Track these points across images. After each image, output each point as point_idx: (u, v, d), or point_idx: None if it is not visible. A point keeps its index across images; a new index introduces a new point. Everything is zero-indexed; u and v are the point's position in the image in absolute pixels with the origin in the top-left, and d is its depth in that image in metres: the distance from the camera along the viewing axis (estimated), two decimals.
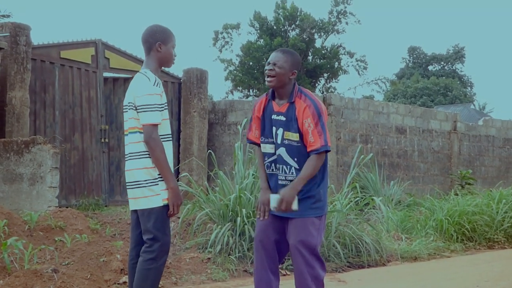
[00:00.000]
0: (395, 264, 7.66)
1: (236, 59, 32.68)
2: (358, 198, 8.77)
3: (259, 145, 4.26)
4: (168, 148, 3.98)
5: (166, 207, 3.92)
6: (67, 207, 8.50)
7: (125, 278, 5.88)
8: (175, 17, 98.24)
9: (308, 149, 4.00)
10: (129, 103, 3.97)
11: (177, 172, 12.80)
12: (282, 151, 4.07)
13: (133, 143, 3.96)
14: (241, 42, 36.63)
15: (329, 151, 4.06)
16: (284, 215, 4.05)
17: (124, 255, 6.34)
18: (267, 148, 4.17)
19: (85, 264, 5.86)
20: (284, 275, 6.53)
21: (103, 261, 6.22)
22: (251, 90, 32.30)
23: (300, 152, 4.04)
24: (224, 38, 33.31)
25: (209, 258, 6.89)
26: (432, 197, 11.37)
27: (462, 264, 7.86)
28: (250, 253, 6.86)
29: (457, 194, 11.28)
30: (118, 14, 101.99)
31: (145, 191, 3.91)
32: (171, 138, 4.05)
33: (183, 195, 11.56)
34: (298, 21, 31.17)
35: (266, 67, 4.17)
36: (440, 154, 15.26)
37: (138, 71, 11.23)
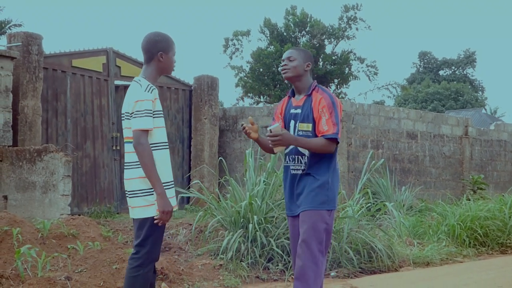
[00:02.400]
0: (407, 270, 7.64)
1: (247, 66, 32.73)
2: (369, 204, 8.75)
3: None
4: (165, 156, 3.95)
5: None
6: (79, 215, 8.54)
7: None
8: (185, 25, 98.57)
9: (320, 134, 4.06)
10: (125, 112, 3.95)
11: (188, 179, 12.83)
12: None
13: (129, 153, 3.93)
14: (252, 48, 36.72)
15: (338, 143, 4.11)
16: (292, 214, 4.19)
17: None
18: None
19: (97, 271, 5.88)
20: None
21: (116, 268, 6.24)
22: (261, 97, 32.32)
23: None
24: (234, 45, 33.38)
25: (221, 265, 6.91)
26: (444, 202, 11.33)
27: (475, 270, 7.83)
28: (261, 260, 6.88)
29: (469, 199, 11.23)
30: (129, 22, 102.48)
31: (140, 200, 3.89)
32: (167, 146, 3.99)
33: (195, 202, 11.68)
34: (308, 28, 31.19)
35: (281, 64, 4.32)
36: (451, 159, 15.21)
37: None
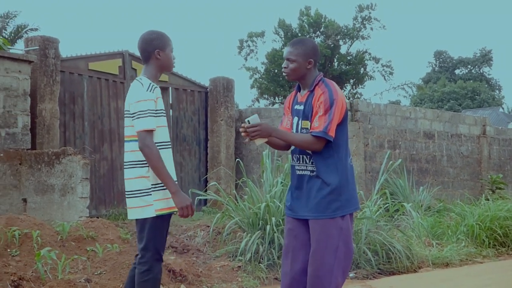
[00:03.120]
0: (426, 271, 7.60)
1: (262, 67, 32.74)
2: (387, 205, 8.72)
3: None
4: (167, 155, 3.90)
5: (160, 217, 3.84)
6: (97, 217, 8.58)
7: None
8: (200, 27, 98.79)
9: (310, 130, 3.86)
10: (126, 111, 3.93)
11: (205, 181, 12.84)
12: None
13: (129, 152, 3.90)
14: (266, 50, 36.71)
15: (330, 141, 3.83)
16: (302, 216, 3.95)
17: None
18: None
19: (117, 273, 5.90)
20: None
21: None
22: (277, 98, 32.31)
23: None
24: (249, 46, 33.41)
25: (239, 266, 6.91)
26: (462, 202, 11.26)
27: (495, 270, 7.77)
28: (280, 261, 6.87)
29: (488, 199, 11.15)
30: (144, 25, 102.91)
31: (139, 201, 3.84)
32: (169, 146, 3.96)
33: (212, 204, 11.69)
34: (322, 28, 31.16)
35: (282, 64, 4.14)
36: (469, 158, 15.12)
37: (165, 81, 11.24)
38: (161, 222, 3.86)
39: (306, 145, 3.85)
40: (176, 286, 6.10)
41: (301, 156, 3.96)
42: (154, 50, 3.96)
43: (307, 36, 30.81)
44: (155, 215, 3.81)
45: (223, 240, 7.60)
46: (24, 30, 22.87)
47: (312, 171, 3.91)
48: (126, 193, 3.92)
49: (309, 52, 4.02)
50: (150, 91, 3.83)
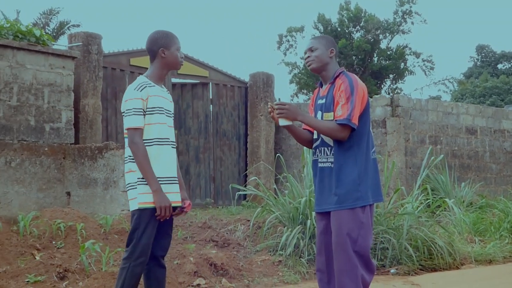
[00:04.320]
0: (469, 268, 7.50)
1: (301, 62, 32.62)
2: (429, 200, 8.63)
3: (307, 130, 4.21)
4: (163, 152, 3.98)
5: (144, 210, 3.89)
6: None
7: (199, 281, 5.97)
8: (240, 22, 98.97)
9: (334, 119, 3.87)
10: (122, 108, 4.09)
11: (245, 176, 12.89)
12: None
13: (125, 148, 4.04)
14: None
15: (354, 129, 3.84)
16: (323, 209, 3.97)
17: (196, 257, 6.44)
18: (315, 133, 4.11)
19: None
20: None
21: (177, 263, 6.33)
22: None
23: None
24: (288, 41, 33.30)
25: (280, 261, 6.92)
26: (505, 198, 11.09)
27: None
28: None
29: None
30: (185, 20, 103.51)
31: (130, 193, 3.96)
32: (167, 142, 4.02)
33: (252, 198, 11.73)
34: (362, 22, 30.89)
35: (304, 57, 4.17)
36: None
37: (205, 76, 11.30)
38: (145, 215, 3.90)
39: (332, 132, 3.85)
40: (217, 280, 6.15)
41: (322, 148, 3.99)
42: (159, 49, 4.07)
43: (347, 31, 30.69)
44: (137, 208, 3.88)
45: (263, 234, 7.63)
46: (67, 26, 23.20)
47: (332, 163, 3.92)
48: (126, 186, 4.07)
49: (330, 42, 4.13)
50: (138, 90, 3.94)
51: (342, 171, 3.88)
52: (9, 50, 8.43)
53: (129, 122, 3.92)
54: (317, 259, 4.12)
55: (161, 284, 4.10)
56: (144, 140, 3.94)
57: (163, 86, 4.20)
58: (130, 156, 3.95)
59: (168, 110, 4.11)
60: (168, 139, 4.05)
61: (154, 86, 4.03)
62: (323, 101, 4.03)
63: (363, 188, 3.87)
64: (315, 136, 4.11)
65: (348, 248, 3.81)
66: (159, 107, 4.01)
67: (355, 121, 3.82)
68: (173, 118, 4.20)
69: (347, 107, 3.82)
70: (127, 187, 4.00)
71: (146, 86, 3.98)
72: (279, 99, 4.16)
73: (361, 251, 3.85)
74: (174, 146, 4.13)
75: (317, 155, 4.05)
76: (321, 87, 4.16)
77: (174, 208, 4.04)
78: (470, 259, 7.78)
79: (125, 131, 4.00)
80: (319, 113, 4.05)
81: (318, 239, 4.11)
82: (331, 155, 3.94)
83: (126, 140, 3.99)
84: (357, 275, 3.81)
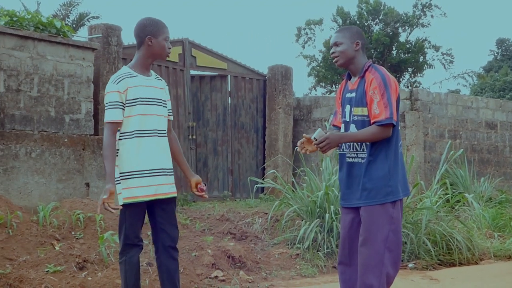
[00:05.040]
0: (488, 263, 7.46)
1: (319, 55, 32.51)
2: (448, 195, 8.58)
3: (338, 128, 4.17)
4: (147, 143, 3.93)
5: (126, 205, 3.87)
6: None
7: (216, 273, 5.99)
8: (259, 14, 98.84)
9: (372, 120, 3.81)
10: None
11: (263, 169, 12.89)
12: (352, 128, 3.95)
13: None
14: (324, 37, 36.50)
15: (394, 125, 3.83)
16: (352, 205, 3.95)
17: (214, 250, 6.46)
18: (342, 127, 4.09)
19: None
20: None
21: (195, 255, 6.36)
22: (334, 86, 32.10)
23: None
24: (307, 34, 33.17)
25: (297, 254, 6.93)
26: None
27: None
28: (338, 249, 6.85)
29: None
30: (204, 13, 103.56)
31: (117, 187, 3.89)
32: (150, 134, 3.97)
33: (270, 192, 11.72)
34: (381, 16, 30.70)
35: (330, 52, 4.12)
36: None
37: (224, 69, 11.27)
38: (129, 210, 3.90)
39: (377, 137, 3.81)
40: (235, 272, 6.16)
41: (352, 143, 3.94)
42: (146, 37, 3.99)
43: (366, 24, 30.52)
44: (121, 203, 3.86)
45: (281, 227, 7.63)
46: (86, 18, 23.26)
47: (362, 158, 3.89)
48: None
49: (356, 34, 4.03)
50: (115, 83, 3.90)
51: (373, 166, 3.85)
52: (30, 42, 8.48)
53: (105, 116, 3.90)
54: (341, 253, 4.11)
55: (173, 276, 4.08)
56: (123, 133, 3.91)
57: (151, 73, 4.13)
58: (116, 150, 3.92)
59: (156, 99, 4.04)
60: (153, 130, 3.99)
61: (136, 76, 3.98)
62: (353, 95, 3.98)
63: (393, 183, 3.85)
64: (342, 130, 4.08)
65: (378, 244, 3.79)
66: (141, 98, 3.95)
67: (395, 117, 3.81)
68: (165, 105, 4.15)
69: (385, 104, 3.77)
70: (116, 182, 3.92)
71: (124, 78, 3.93)
72: (314, 138, 4.11)
73: (392, 246, 3.83)
74: (162, 135, 4.07)
75: (344, 149, 4.01)
76: (349, 80, 4.09)
77: (162, 200, 4.02)
78: (489, 254, 7.73)
79: None
80: (348, 107, 4.00)
81: (342, 232, 4.09)
82: (361, 150, 3.91)
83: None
84: (382, 271, 3.79)
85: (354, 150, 3.94)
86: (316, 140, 3.83)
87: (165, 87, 4.24)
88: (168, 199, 4.06)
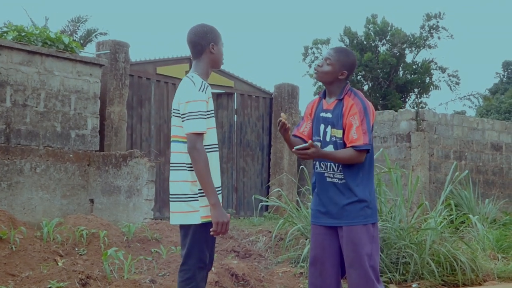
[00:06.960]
0: (492, 284, 7.41)
1: None
2: (452, 216, 8.55)
3: (299, 138, 4.14)
4: (215, 158, 3.66)
5: (205, 225, 3.55)
6: (161, 219, 8.71)
7: None
8: (266, 33, 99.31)
9: (349, 144, 3.84)
10: (174, 109, 3.72)
11: (267, 187, 12.89)
12: (330, 148, 3.94)
13: (175, 153, 3.67)
14: None
15: (369, 152, 3.89)
16: (332, 223, 3.93)
17: (218, 268, 6.44)
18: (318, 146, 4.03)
19: None
20: None
21: None
22: None
23: None
24: (313, 53, 33.27)
25: (301, 273, 6.90)
26: None
27: None
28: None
29: None
30: None
31: (184, 206, 3.58)
32: (217, 149, 3.71)
33: (274, 210, 11.72)
34: (388, 36, 30.80)
35: (318, 61, 4.17)
36: None
37: (230, 86, 11.15)
38: (205, 230, 3.57)
39: (352, 160, 3.86)
40: None
41: (328, 163, 3.96)
42: (208, 44, 3.74)
43: (373, 45, 30.60)
44: (200, 222, 3.56)
45: (285, 246, 7.61)
46: (94, 34, 23.44)
47: (340, 179, 3.92)
48: (171, 196, 3.68)
49: (348, 65, 4.03)
50: (202, 91, 3.60)
51: (352, 187, 3.89)
52: (37, 57, 8.55)
53: (193, 126, 3.52)
54: (311, 272, 4.07)
55: None
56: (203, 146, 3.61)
57: None
58: (187, 164, 3.58)
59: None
60: (217, 144, 3.75)
61: (209, 86, 3.72)
62: (328, 115, 3.99)
63: (373, 205, 3.94)
64: None
65: (365, 264, 3.83)
66: (213, 110, 3.73)
67: (371, 143, 3.89)
68: None
69: (363, 130, 3.83)
70: (181, 198, 3.61)
71: (207, 86, 3.66)
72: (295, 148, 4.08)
73: (375, 265, 3.89)
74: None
75: (322, 168, 4.01)
76: (324, 98, 4.10)
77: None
78: (493, 275, 7.69)
79: (175, 134, 3.68)
80: (323, 126, 4.01)
81: (314, 253, 4.05)
82: (338, 171, 3.93)
83: (175, 145, 3.67)
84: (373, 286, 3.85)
85: (331, 170, 3.96)
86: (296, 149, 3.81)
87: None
88: None
